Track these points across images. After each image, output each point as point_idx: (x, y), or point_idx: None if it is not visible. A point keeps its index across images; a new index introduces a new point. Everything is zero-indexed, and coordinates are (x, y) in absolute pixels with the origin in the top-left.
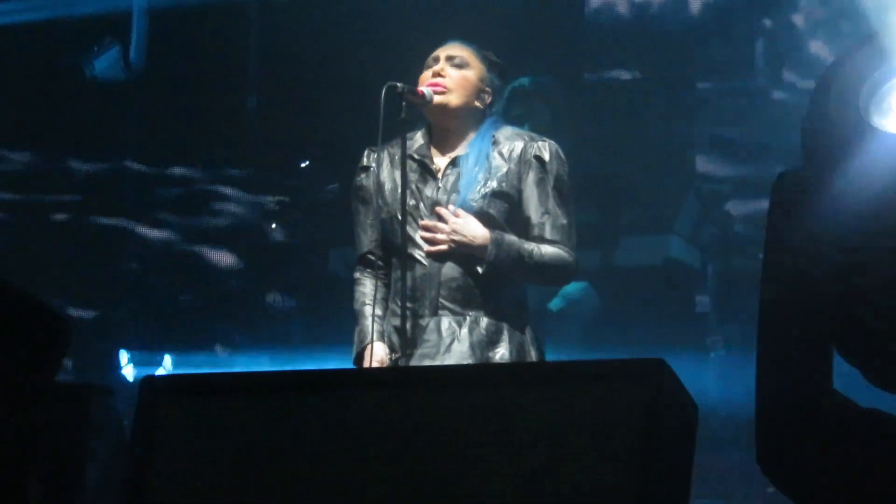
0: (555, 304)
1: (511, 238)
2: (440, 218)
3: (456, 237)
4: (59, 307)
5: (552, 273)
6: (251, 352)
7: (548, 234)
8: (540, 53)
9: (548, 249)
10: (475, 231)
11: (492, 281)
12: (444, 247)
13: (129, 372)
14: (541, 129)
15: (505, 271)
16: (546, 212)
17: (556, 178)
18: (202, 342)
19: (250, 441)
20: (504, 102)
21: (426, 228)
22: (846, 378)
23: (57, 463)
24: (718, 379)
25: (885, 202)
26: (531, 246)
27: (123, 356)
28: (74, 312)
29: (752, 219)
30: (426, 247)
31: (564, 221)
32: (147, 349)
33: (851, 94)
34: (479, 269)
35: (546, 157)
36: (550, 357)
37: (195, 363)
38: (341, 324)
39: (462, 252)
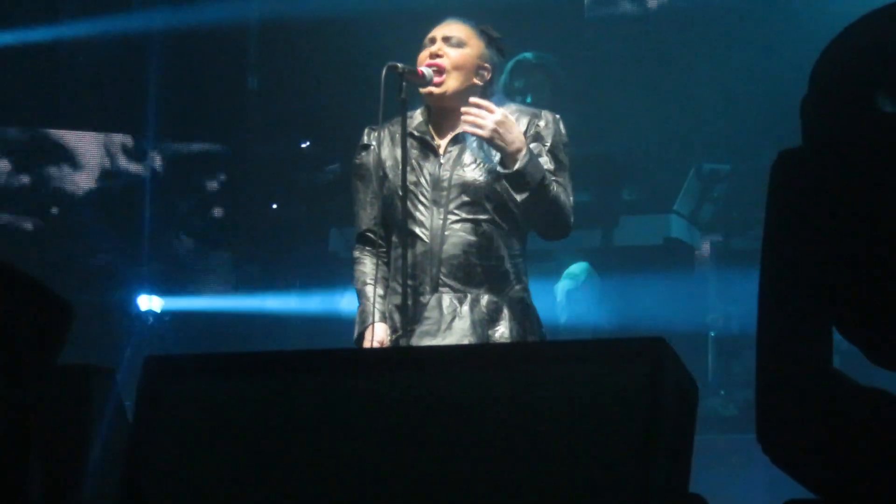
0: (562, 285)
1: (539, 162)
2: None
3: (501, 129)
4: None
5: (556, 215)
6: (252, 334)
7: None
8: (541, 30)
9: (558, 191)
10: (516, 136)
11: (492, 259)
12: (483, 132)
13: (143, 302)
14: (542, 103)
15: (525, 183)
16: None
17: (551, 143)
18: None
19: (252, 421)
20: (506, 75)
21: (477, 105)
22: (845, 356)
23: (58, 443)
24: (718, 357)
25: (886, 182)
26: (551, 179)
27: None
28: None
29: (752, 198)
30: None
31: (561, 181)
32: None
33: (854, 71)
34: (502, 169)
35: (542, 124)
36: (552, 337)
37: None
38: (341, 302)
39: (493, 146)
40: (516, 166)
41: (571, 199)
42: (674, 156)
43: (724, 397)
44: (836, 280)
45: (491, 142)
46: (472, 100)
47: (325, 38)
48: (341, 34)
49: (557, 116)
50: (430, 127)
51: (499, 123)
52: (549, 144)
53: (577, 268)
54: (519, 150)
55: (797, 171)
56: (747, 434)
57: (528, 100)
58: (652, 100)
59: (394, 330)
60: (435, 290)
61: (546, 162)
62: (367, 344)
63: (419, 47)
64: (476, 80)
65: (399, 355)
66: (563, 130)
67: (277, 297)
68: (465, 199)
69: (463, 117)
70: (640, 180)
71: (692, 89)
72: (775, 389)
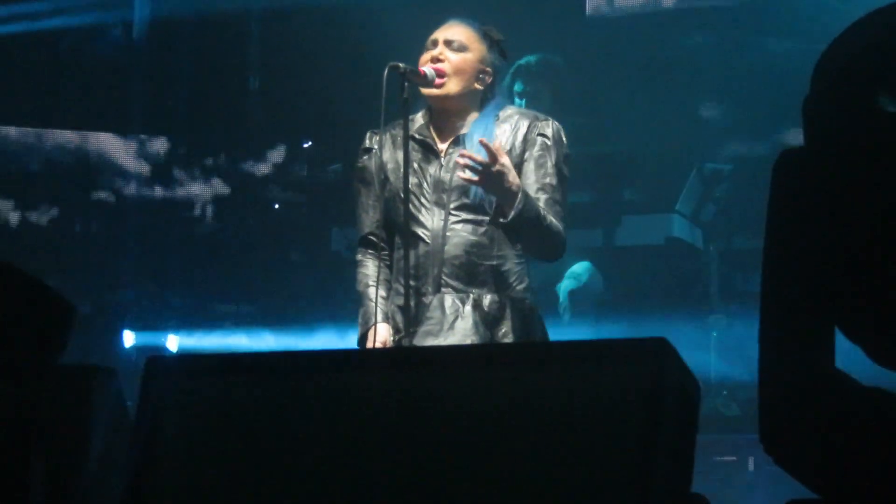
0: (564, 285)
1: (532, 198)
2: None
3: (496, 180)
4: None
5: (552, 243)
6: (254, 330)
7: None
8: (542, 32)
9: (553, 219)
10: (513, 179)
11: (494, 259)
12: (480, 183)
13: (129, 339)
14: (541, 107)
15: (520, 227)
16: (541, 188)
17: (556, 156)
18: (206, 321)
19: (254, 421)
20: (507, 78)
21: (485, 145)
22: (847, 356)
23: (58, 443)
24: (721, 357)
25: (887, 182)
26: (544, 211)
27: (128, 335)
28: (78, 296)
29: (754, 198)
30: (463, 175)
31: (559, 199)
32: (150, 328)
33: (856, 71)
34: (502, 220)
35: (549, 134)
36: (554, 337)
37: (198, 339)
38: (344, 302)
39: (489, 190)
40: (512, 215)
41: (565, 217)
42: (675, 155)
43: (726, 397)
44: (838, 279)
45: (485, 189)
46: (482, 140)
47: (326, 37)
48: (343, 33)
49: (560, 128)
50: (432, 130)
51: (497, 175)
52: (553, 158)
53: (580, 267)
54: (516, 194)
55: (799, 170)
56: (749, 434)
57: (523, 104)
58: (653, 99)
59: (396, 331)
60: (437, 290)
61: (550, 174)
62: (369, 345)
63: (421, 46)
64: (477, 85)
65: (401, 355)
66: (565, 142)
67: (281, 333)
68: (467, 200)
69: (458, 158)
70: (641, 180)
71: (694, 89)
72: (778, 389)
